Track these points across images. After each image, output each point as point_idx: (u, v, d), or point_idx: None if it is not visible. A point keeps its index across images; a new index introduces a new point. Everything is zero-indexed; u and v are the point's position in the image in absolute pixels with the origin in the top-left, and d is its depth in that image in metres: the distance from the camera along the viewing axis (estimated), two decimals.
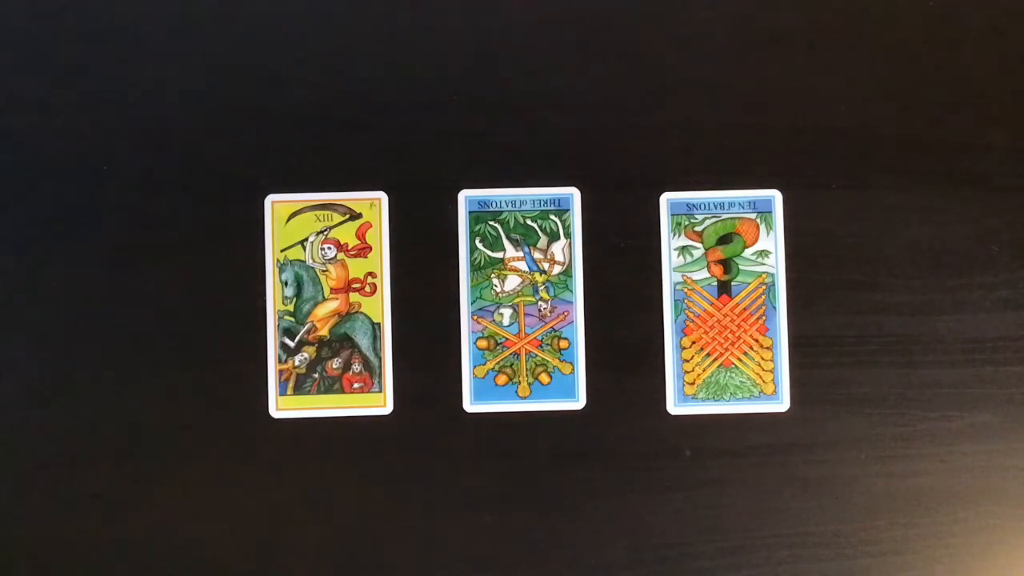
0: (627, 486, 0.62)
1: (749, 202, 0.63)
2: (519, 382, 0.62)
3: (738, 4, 0.64)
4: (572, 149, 0.63)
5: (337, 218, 0.63)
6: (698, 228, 0.63)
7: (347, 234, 0.63)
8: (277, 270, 0.62)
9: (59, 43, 0.63)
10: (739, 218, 0.63)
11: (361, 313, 0.62)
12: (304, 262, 0.63)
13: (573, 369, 0.62)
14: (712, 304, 0.63)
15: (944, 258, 0.63)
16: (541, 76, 0.63)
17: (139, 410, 0.62)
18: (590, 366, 0.62)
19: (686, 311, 0.63)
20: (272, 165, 0.63)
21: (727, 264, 0.63)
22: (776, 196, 0.63)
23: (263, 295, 0.62)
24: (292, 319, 0.62)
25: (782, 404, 0.62)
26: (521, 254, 0.63)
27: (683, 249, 0.63)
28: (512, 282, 0.63)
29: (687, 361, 0.62)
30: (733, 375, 0.63)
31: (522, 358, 0.63)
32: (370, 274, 0.63)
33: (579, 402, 0.62)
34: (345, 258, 0.63)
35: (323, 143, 0.63)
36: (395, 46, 0.63)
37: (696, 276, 0.63)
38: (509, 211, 0.63)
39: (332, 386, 0.62)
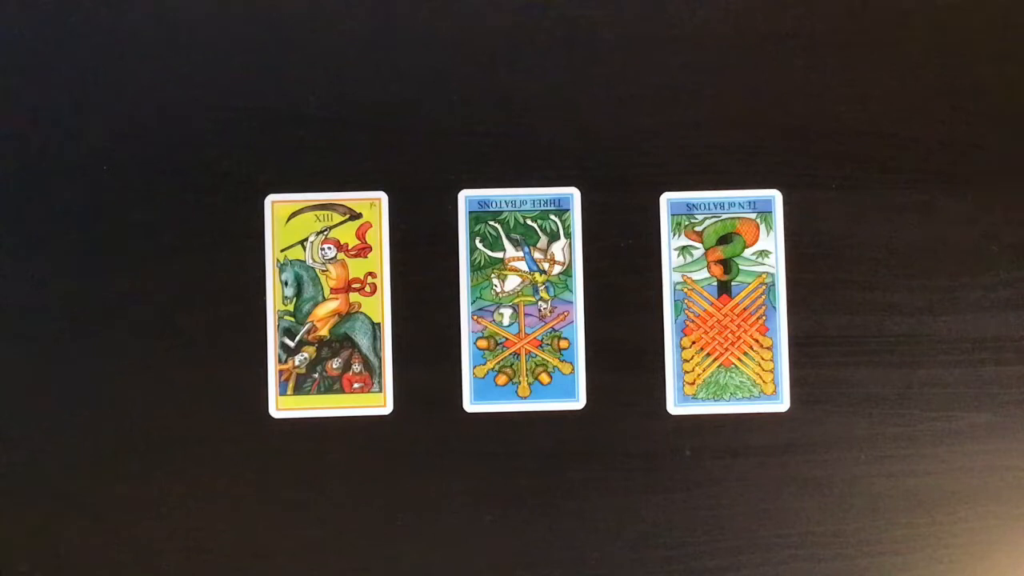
0: (627, 486, 0.62)
1: (749, 202, 0.63)
2: (519, 382, 0.62)
3: (738, 4, 0.64)
4: (572, 149, 0.63)
5: (337, 218, 0.63)
6: (698, 228, 0.63)
7: (347, 234, 0.63)
8: (277, 270, 0.63)
9: (60, 44, 0.63)
10: (739, 218, 0.63)
11: (361, 313, 0.62)
12: (304, 262, 0.63)
13: (573, 369, 0.62)
14: (712, 304, 0.63)
15: (944, 258, 0.63)
16: (541, 76, 0.63)
17: (139, 410, 0.62)
18: (590, 366, 0.62)
19: (686, 311, 0.63)
20: (272, 165, 0.63)
21: (727, 264, 0.63)
22: (776, 196, 0.63)
23: (263, 295, 0.62)
24: (292, 319, 0.62)
25: (782, 404, 0.62)
26: (521, 254, 0.63)
27: (683, 249, 0.63)
28: (512, 282, 0.63)
29: (687, 361, 0.62)
30: (733, 375, 0.63)
31: (522, 358, 0.63)
32: (370, 274, 0.63)
33: (579, 402, 0.62)
34: (345, 258, 0.63)
35: (323, 143, 0.63)
36: (395, 46, 0.63)
37: (696, 276, 0.63)
38: (509, 211, 0.63)
39: (332, 386, 0.62)
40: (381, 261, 0.63)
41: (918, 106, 0.64)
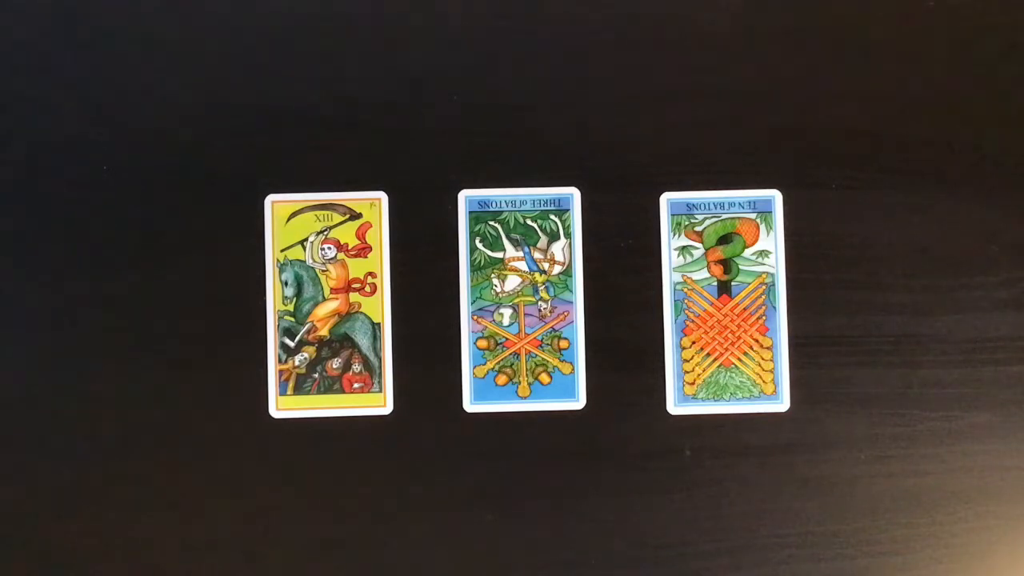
0: (627, 486, 0.62)
1: (749, 202, 0.63)
2: (519, 382, 0.62)
3: (739, 4, 0.64)
4: (572, 149, 0.63)
5: (337, 218, 0.63)
6: (698, 228, 0.63)
7: (347, 234, 0.63)
8: (277, 270, 0.63)
9: (60, 43, 0.63)
10: (739, 218, 0.63)
11: (361, 313, 0.62)
12: (304, 262, 0.63)
13: (573, 369, 0.62)
14: (712, 304, 0.63)
15: (944, 258, 0.63)
16: (541, 76, 0.63)
17: (139, 410, 0.62)
18: (590, 366, 0.62)
19: (686, 311, 0.63)
20: (272, 165, 0.63)
21: (727, 264, 0.63)
22: (776, 196, 0.63)
23: (263, 295, 0.62)
24: (292, 319, 0.62)
25: (782, 404, 0.62)
26: (521, 254, 0.63)
27: (683, 249, 0.63)
28: (512, 282, 0.63)
29: (687, 361, 0.63)
30: (733, 375, 0.63)
31: (522, 358, 0.63)
32: (370, 274, 0.63)
33: (579, 402, 0.62)
34: (345, 258, 0.63)
35: (323, 143, 0.63)
36: (395, 46, 0.63)
37: (696, 276, 0.63)
38: (509, 211, 0.63)
39: (332, 386, 0.62)
40: (381, 261, 0.63)
41: (918, 106, 0.64)
